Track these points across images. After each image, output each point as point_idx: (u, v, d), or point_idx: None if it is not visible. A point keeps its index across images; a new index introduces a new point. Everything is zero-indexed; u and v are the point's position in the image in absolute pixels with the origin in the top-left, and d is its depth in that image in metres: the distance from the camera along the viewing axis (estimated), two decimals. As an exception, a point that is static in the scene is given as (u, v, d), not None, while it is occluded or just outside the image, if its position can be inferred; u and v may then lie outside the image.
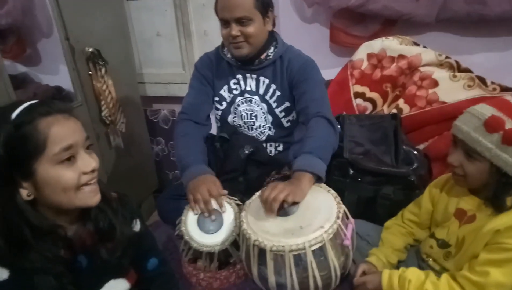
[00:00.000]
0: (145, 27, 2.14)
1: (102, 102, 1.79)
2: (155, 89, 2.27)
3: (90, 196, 0.79)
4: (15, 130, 0.69)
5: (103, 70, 1.76)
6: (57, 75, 2.16)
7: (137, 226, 0.97)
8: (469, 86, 1.53)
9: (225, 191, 1.23)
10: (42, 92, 1.94)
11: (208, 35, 2.05)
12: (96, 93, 1.77)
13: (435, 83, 1.58)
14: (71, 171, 0.75)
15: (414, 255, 1.19)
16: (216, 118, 1.58)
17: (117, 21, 1.96)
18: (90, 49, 1.71)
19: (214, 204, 1.19)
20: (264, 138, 1.52)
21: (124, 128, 1.92)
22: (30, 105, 0.73)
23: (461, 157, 0.96)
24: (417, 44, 1.66)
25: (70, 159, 0.75)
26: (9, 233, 0.72)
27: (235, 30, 1.29)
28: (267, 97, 1.45)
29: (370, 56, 1.69)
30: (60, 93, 1.94)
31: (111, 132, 1.88)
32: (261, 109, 1.47)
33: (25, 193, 0.73)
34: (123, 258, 0.89)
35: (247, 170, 1.44)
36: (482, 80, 1.52)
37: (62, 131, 0.73)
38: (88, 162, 0.77)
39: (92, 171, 0.78)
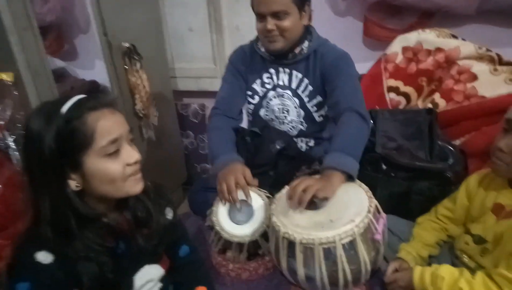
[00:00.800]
0: (178, 22, 2.18)
1: (136, 96, 1.84)
2: (186, 83, 2.31)
3: (135, 185, 0.83)
4: (65, 124, 0.73)
5: (138, 65, 1.81)
6: (93, 69, 2.25)
7: (170, 214, 1.00)
8: (511, 80, 1.46)
9: (256, 181, 1.23)
10: (79, 86, 2.02)
11: (240, 30, 2.06)
12: (131, 87, 1.83)
13: (474, 77, 1.52)
14: (116, 163, 0.78)
15: (448, 252, 1.16)
16: (248, 112, 1.59)
17: (152, 17, 2.01)
18: (127, 45, 1.76)
19: (242, 195, 1.20)
20: (295, 133, 1.52)
21: (157, 121, 1.96)
22: (79, 100, 0.76)
23: None
24: (455, 37, 1.60)
25: (116, 152, 0.78)
26: (57, 222, 0.75)
27: (271, 24, 1.28)
28: (299, 91, 1.44)
29: (405, 49, 1.65)
30: (96, 87, 2.01)
31: (144, 125, 1.93)
32: (293, 103, 1.47)
33: (73, 184, 0.76)
34: (158, 245, 0.92)
35: (277, 164, 1.43)
36: (525, 74, 1.45)
37: (108, 125, 0.76)
38: (131, 154, 0.80)
39: (135, 162, 0.81)
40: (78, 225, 0.77)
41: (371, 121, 1.51)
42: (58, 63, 2.31)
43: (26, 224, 0.81)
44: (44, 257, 0.75)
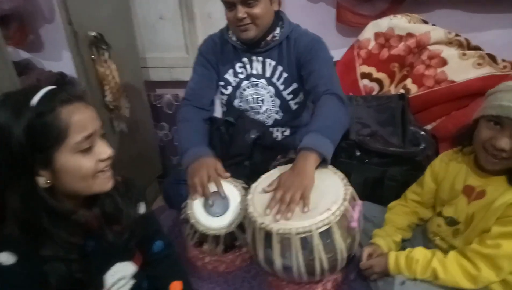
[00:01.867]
0: (148, 10, 2.11)
1: (106, 87, 1.77)
2: (158, 73, 2.25)
3: (106, 182, 0.80)
4: (36, 118, 0.68)
5: (106, 55, 1.74)
6: (60, 61, 2.16)
7: (142, 208, 0.98)
8: (479, 64, 1.49)
9: (227, 174, 1.21)
10: (46, 78, 1.94)
11: (212, 18, 2.01)
12: (100, 78, 1.76)
13: (444, 62, 1.54)
14: (88, 159, 0.75)
15: (421, 235, 1.19)
16: (221, 102, 1.56)
17: (120, 4, 1.93)
18: (93, 34, 1.68)
19: (213, 188, 1.18)
20: (271, 122, 1.50)
21: (128, 113, 1.91)
22: (50, 91, 0.72)
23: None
24: (426, 22, 1.62)
25: (89, 148, 0.75)
26: (27, 221, 0.72)
27: (241, 12, 1.25)
28: (274, 80, 1.42)
29: (377, 35, 1.65)
30: (63, 78, 1.94)
31: (115, 117, 1.87)
32: (268, 92, 1.45)
33: (42, 180, 0.72)
34: (130, 241, 0.90)
35: (252, 154, 1.42)
36: (493, 58, 1.48)
37: (83, 120, 0.73)
38: (104, 149, 0.78)
39: (108, 158, 0.79)
40: (49, 222, 0.73)
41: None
42: (23, 54, 2.21)
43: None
44: (6, 258, 0.72)
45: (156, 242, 1.02)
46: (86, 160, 0.75)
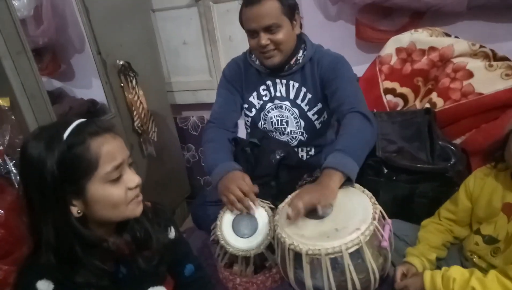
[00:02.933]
0: (171, 36, 2.19)
1: (134, 113, 1.84)
2: (183, 96, 2.31)
3: (135, 208, 0.82)
4: (68, 150, 0.72)
5: (134, 82, 1.82)
6: (90, 88, 2.24)
7: (171, 233, 0.99)
8: (507, 75, 1.45)
9: (256, 187, 1.21)
10: (78, 105, 2.02)
11: (233, 40, 2.07)
12: (128, 105, 1.83)
13: (470, 74, 1.51)
14: (118, 188, 0.77)
15: (456, 254, 1.15)
16: (246, 124, 1.59)
17: (145, 32, 2.01)
18: (121, 62, 1.76)
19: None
20: (295, 143, 1.51)
21: (156, 137, 1.96)
22: (79, 124, 0.76)
23: None
24: (448, 35, 1.60)
25: (118, 177, 0.77)
26: (61, 249, 0.75)
27: (264, 39, 1.26)
28: (298, 101, 1.43)
29: (399, 50, 1.65)
30: (94, 106, 2.01)
31: (144, 141, 1.93)
32: (292, 114, 1.46)
33: (75, 210, 0.75)
34: (160, 265, 0.91)
35: (278, 174, 1.42)
36: (521, 68, 1.45)
37: (112, 150, 0.76)
38: (132, 178, 0.80)
39: (136, 186, 0.81)
40: (82, 251, 0.76)
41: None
42: (55, 83, 2.31)
43: (27, 251, 0.81)
44: (44, 286, 0.74)
45: (187, 265, 1.03)
46: (116, 189, 0.77)
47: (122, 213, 0.80)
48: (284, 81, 1.43)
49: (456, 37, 1.59)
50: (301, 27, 1.39)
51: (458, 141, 1.53)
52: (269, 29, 1.26)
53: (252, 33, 1.29)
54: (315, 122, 1.45)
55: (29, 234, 0.78)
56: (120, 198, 0.78)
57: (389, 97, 1.69)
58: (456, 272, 0.96)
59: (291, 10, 1.29)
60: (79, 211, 0.76)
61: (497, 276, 0.92)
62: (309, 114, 1.44)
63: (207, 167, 1.34)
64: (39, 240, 0.76)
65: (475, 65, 1.52)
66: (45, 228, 0.74)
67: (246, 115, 1.53)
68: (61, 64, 2.24)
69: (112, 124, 0.85)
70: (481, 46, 1.53)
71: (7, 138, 1.34)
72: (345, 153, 1.12)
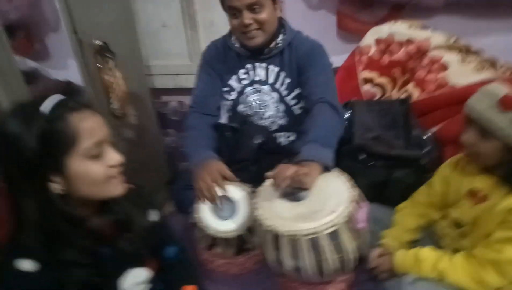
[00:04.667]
0: (151, 18, 2.14)
1: (112, 95, 1.80)
2: (163, 81, 2.27)
3: (117, 187, 0.82)
4: (47, 125, 0.70)
5: (111, 63, 1.77)
6: (66, 69, 2.18)
7: (154, 216, 0.99)
8: (480, 68, 1.52)
9: (232, 175, 1.23)
10: (53, 87, 1.96)
11: (214, 26, 2.04)
12: (106, 86, 1.78)
13: (445, 67, 1.57)
14: (99, 165, 0.76)
15: (428, 238, 1.20)
16: (226, 108, 1.59)
17: (123, 13, 1.96)
18: (98, 42, 1.71)
19: (220, 191, 1.20)
20: (275, 127, 1.52)
21: (135, 121, 1.93)
22: (59, 100, 0.74)
23: (475, 136, 0.97)
24: (426, 28, 1.65)
25: (98, 154, 0.76)
26: (44, 227, 0.74)
27: (248, 18, 1.26)
28: (277, 86, 1.44)
29: (378, 41, 1.68)
30: (70, 87, 1.96)
31: (122, 125, 1.89)
32: (271, 98, 1.47)
33: (56, 187, 0.74)
34: (142, 248, 0.91)
35: (258, 159, 1.44)
36: (493, 62, 1.51)
37: (92, 127, 0.75)
38: (114, 156, 0.79)
39: (118, 164, 0.80)
40: (65, 229, 0.75)
41: (349, 112, 1.55)
42: (30, 63, 2.23)
43: (8, 231, 0.79)
44: (28, 265, 0.73)
45: (169, 248, 1.03)
46: (96, 165, 0.76)
47: (103, 191, 0.79)
48: (263, 64, 1.43)
49: (433, 30, 1.64)
50: (281, 10, 1.39)
51: (433, 130, 1.59)
52: (252, 8, 1.25)
53: (234, 12, 1.28)
54: (294, 107, 1.47)
55: (11, 214, 0.76)
56: (100, 175, 0.77)
57: (367, 86, 1.72)
58: (427, 253, 1.02)
59: None
60: (61, 187, 0.75)
61: (464, 258, 0.97)
62: (288, 98, 1.45)
63: (187, 154, 1.35)
64: (21, 220, 0.74)
65: (450, 58, 1.57)
66: (26, 206, 0.73)
67: (226, 99, 1.53)
68: (35, 43, 2.16)
69: (90, 101, 0.83)
70: (456, 40, 1.58)
71: (-22, 116, 1.29)
72: (320, 144, 1.15)
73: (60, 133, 0.71)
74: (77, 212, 0.78)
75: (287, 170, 1.07)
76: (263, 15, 1.27)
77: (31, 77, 1.98)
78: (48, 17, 2.03)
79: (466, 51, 1.57)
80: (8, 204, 0.76)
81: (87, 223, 0.82)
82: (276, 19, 1.35)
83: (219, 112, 1.52)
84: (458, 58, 1.55)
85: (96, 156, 0.76)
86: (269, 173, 1.14)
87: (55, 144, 0.71)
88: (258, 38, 1.32)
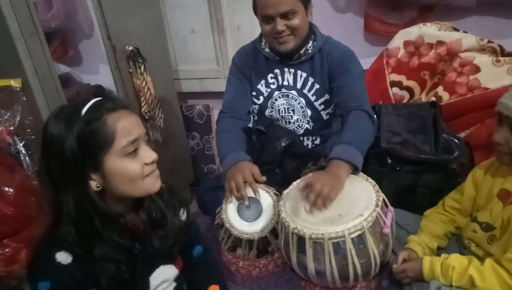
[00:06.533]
0: (180, 24, 2.19)
1: (142, 99, 1.85)
2: (190, 85, 2.32)
3: (153, 183, 0.85)
4: (86, 126, 0.75)
5: (142, 68, 1.83)
6: (97, 74, 2.27)
7: (184, 215, 1.02)
8: (513, 70, 1.46)
9: (264, 177, 1.24)
10: (85, 90, 2.04)
11: (241, 30, 2.07)
12: (136, 90, 1.84)
13: (477, 69, 1.52)
14: (135, 162, 0.80)
15: (456, 243, 1.17)
16: (253, 111, 1.60)
17: (154, 19, 2.02)
18: (130, 48, 1.77)
19: (250, 192, 1.22)
20: (301, 131, 1.52)
21: (162, 123, 1.98)
22: (97, 101, 0.79)
23: (507, 134, 0.95)
24: (456, 30, 1.61)
25: (135, 152, 0.80)
26: (81, 222, 0.77)
27: (281, 25, 1.27)
28: (305, 91, 1.45)
29: (406, 43, 1.65)
30: (102, 91, 2.03)
31: (150, 127, 1.95)
32: (298, 103, 1.47)
33: (94, 184, 0.78)
34: (173, 246, 0.93)
35: (283, 162, 1.45)
36: (527, 64, 1.46)
37: (128, 125, 0.79)
38: (149, 154, 0.83)
39: (153, 162, 0.83)
40: (101, 224, 0.79)
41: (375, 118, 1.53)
42: (63, 68, 2.34)
43: (40, 227, 0.83)
44: (63, 257, 0.77)
45: (196, 247, 1.06)
46: (133, 163, 0.79)
47: (140, 188, 0.82)
48: (292, 70, 1.44)
49: (464, 32, 1.60)
50: (315, 32, 1.39)
51: (462, 134, 1.55)
52: (285, 15, 1.26)
53: (267, 19, 1.29)
54: (322, 112, 1.47)
55: (51, 209, 0.80)
56: (137, 172, 0.80)
57: (395, 90, 1.70)
58: (455, 260, 0.98)
59: None
60: (98, 185, 0.79)
61: (493, 264, 0.94)
62: (316, 104, 1.46)
63: (220, 157, 1.37)
64: (59, 214, 0.78)
65: (482, 60, 1.52)
66: (66, 202, 0.77)
67: (254, 103, 1.55)
68: (69, 49, 2.26)
69: (128, 102, 0.87)
70: (489, 42, 1.54)
71: (18, 118, 1.37)
72: (353, 146, 1.17)
73: (98, 132, 0.75)
74: (113, 209, 0.82)
75: (315, 189, 1.06)
76: (296, 21, 1.28)
77: (64, 81, 2.08)
78: (83, 25, 2.13)
79: (499, 52, 1.52)
80: (48, 199, 0.80)
81: (121, 220, 0.85)
82: (307, 23, 1.36)
83: (250, 116, 1.54)
84: (491, 60, 1.50)
85: (132, 154, 0.79)
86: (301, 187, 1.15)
87: (94, 143, 0.75)
88: (290, 43, 1.33)
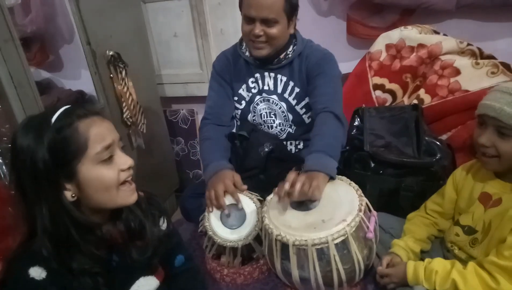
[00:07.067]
0: (162, 28, 2.17)
1: (124, 104, 1.83)
2: (174, 89, 2.30)
3: (129, 194, 0.83)
4: (57, 134, 0.72)
5: (123, 73, 1.80)
6: (79, 79, 2.21)
7: (164, 224, 0.99)
8: (492, 73, 1.48)
9: (245, 186, 1.23)
10: (66, 96, 1.99)
11: (224, 34, 2.06)
12: (118, 96, 1.82)
13: (457, 72, 1.54)
14: (110, 169, 0.78)
15: (439, 246, 1.18)
16: (235, 116, 1.59)
17: (135, 24, 2.00)
18: (111, 53, 1.75)
19: (229, 200, 1.20)
20: (284, 136, 1.52)
21: (145, 129, 1.95)
22: (67, 108, 0.76)
23: (493, 136, 0.95)
24: (437, 33, 1.63)
25: (109, 158, 0.78)
26: (57, 234, 0.75)
27: (259, 29, 1.27)
28: (286, 95, 1.44)
29: (388, 46, 1.67)
30: (83, 97, 1.99)
31: (132, 133, 1.92)
32: (280, 108, 1.47)
33: (69, 194, 0.76)
34: (153, 256, 0.91)
35: (267, 167, 1.44)
36: (507, 66, 1.47)
37: (101, 131, 0.77)
38: (124, 159, 0.81)
39: (129, 168, 0.81)
40: (78, 236, 0.76)
41: (358, 120, 1.53)
42: (44, 74, 2.28)
43: (17, 239, 0.80)
44: (37, 272, 0.74)
45: (178, 256, 1.04)
46: (108, 170, 0.77)
47: (115, 198, 0.80)
48: (272, 74, 1.43)
49: (444, 34, 1.62)
50: (294, 27, 1.39)
51: (444, 137, 1.56)
52: (266, 21, 1.26)
53: (248, 19, 1.29)
54: (304, 116, 1.47)
55: (23, 222, 0.77)
56: (113, 180, 0.78)
57: (378, 92, 1.71)
58: (439, 264, 0.99)
59: (292, 10, 1.29)
60: (73, 195, 0.76)
61: (475, 268, 0.94)
62: (297, 108, 1.45)
63: (203, 165, 1.36)
64: (33, 228, 0.76)
65: (462, 62, 1.54)
66: (40, 214, 0.74)
67: (236, 108, 1.54)
68: (50, 55, 2.21)
69: (100, 109, 0.84)
70: (468, 44, 1.56)
71: (-7, 127, 1.33)
72: (325, 153, 1.16)
73: (70, 140, 0.73)
74: (89, 219, 0.79)
75: (297, 183, 1.05)
76: (274, 31, 1.27)
77: (45, 87, 2.03)
78: (63, 29, 2.08)
79: (478, 55, 1.54)
80: (19, 212, 0.77)
81: (98, 231, 0.83)
82: (287, 35, 1.35)
83: (233, 121, 1.52)
84: (470, 62, 1.52)
85: (107, 161, 0.77)
86: (283, 188, 1.14)
87: (66, 152, 0.73)
88: (264, 50, 1.33)
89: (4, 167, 1.36)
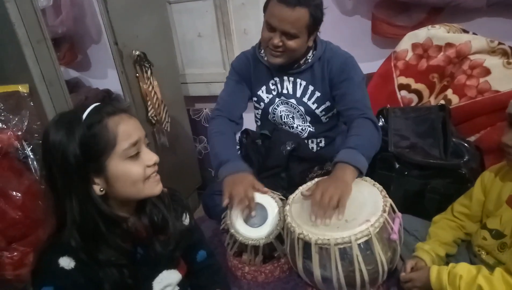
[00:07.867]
0: (186, 28, 2.20)
1: (149, 103, 1.86)
2: (197, 89, 2.33)
3: (155, 186, 0.85)
4: (87, 130, 0.75)
5: (148, 72, 1.84)
6: (106, 78, 2.28)
7: (186, 220, 1.02)
8: (524, 73, 1.43)
9: (266, 189, 1.23)
10: (93, 95, 2.05)
11: (248, 34, 2.07)
12: (143, 95, 1.85)
13: (487, 71, 1.49)
14: (137, 165, 0.81)
15: (465, 250, 1.14)
16: (256, 116, 1.59)
17: (161, 24, 2.04)
18: (137, 52, 1.79)
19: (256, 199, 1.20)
20: (305, 135, 1.52)
21: (169, 128, 1.99)
22: (97, 106, 0.79)
23: None
24: (466, 31, 1.58)
25: (136, 155, 0.80)
26: (85, 226, 0.77)
27: (278, 40, 1.26)
28: (305, 99, 1.44)
29: (415, 46, 1.63)
30: (109, 96, 2.04)
31: (157, 131, 1.95)
32: (298, 111, 1.47)
33: (97, 188, 0.79)
34: (175, 250, 0.94)
35: (289, 166, 1.43)
36: (539, 66, 1.42)
37: (128, 128, 0.79)
38: (150, 156, 0.83)
39: (154, 164, 0.84)
40: (106, 228, 0.79)
41: (383, 120, 1.51)
42: (72, 73, 2.36)
43: (47, 231, 0.84)
44: (66, 262, 0.77)
45: (200, 252, 1.05)
46: (135, 166, 0.80)
47: (142, 191, 0.83)
48: (291, 78, 1.43)
49: (474, 33, 1.57)
50: (315, 41, 1.37)
51: (472, 138, 1.52)
52: (286, 34, 1.25)
53: (269, 27, 1.28)
54: (322, 118, 1.47)
55: (53, 215, 0.81)
56: (139, 175, 0.80)
57: (404, 93, 1.67)
58: (463, 269, 0.95)
59: (315, 25, 1.28)
60: (102, 189, 0.79)
61: (502, 274, 0.90)
62: (317, 111, 1.45)
63: (215, 159, 1.31)
64: (62, 221, 0.79)
65: (493, 62, 1.49)
66: (70, 207, 0.77)
67: (256, 108, 1.54)
68: (78, 54, 2.28)
69: (127, 106, 0.87)
70: (499, 43, 1.51)
71: (26, 124, 1.38)
72: (358, 151, 1.16)
73: (100, 136, 0.76)
74: (115, 213, 0.82)
75: (325, 197, 1.04)
76: (293, 44, 1.27)
77: (73, 86, 2.10)
78: (91, 30, 2.14)
79: (510, 54, 1.49)
80: (49, 205, 0.81)
81: (124, 224, 0.86)
82: (305, 48, 1.34)
83: (242, 121, 1.51)
84: (501, 62, 1.47)
85: (134, 157, 0.80)
86: (304, 192, 1.15)
87: (96, 147, 0.76)
88: (279, 59, 1.33)
89: (35, 162, 1.41)
